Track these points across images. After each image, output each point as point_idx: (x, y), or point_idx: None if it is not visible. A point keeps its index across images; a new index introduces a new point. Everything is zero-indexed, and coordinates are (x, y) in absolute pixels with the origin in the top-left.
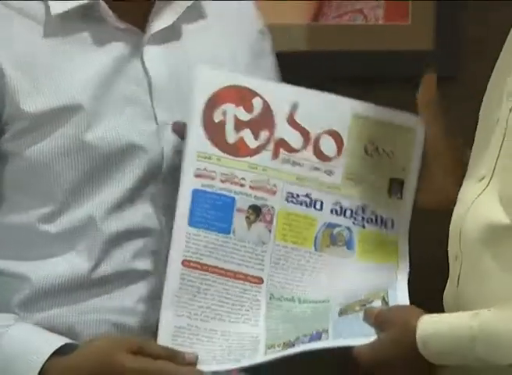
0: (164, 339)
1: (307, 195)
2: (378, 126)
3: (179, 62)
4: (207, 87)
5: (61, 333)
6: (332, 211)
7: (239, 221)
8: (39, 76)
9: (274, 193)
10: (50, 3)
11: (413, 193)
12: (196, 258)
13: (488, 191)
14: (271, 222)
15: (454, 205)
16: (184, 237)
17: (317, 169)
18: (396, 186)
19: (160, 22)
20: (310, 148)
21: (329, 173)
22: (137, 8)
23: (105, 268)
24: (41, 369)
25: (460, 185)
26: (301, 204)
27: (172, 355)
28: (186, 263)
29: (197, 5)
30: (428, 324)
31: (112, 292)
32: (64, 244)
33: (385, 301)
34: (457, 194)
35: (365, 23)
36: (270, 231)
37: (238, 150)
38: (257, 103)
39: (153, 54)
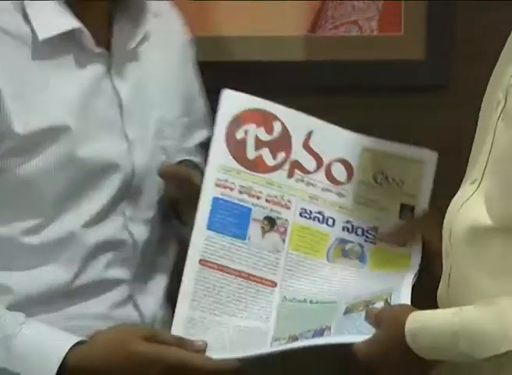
0: (177, 329)
1: (319, 212)
2: (387, 158)
3: (141, 81)
4: (231, 108)
5: None
6: (343, 228)
7: (254, 229)
8: (29, 98)
9: (288, 207)
10: (36, 28)
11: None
12: (213, 259)
13: (477, 194)
14: (285, 233)
15: None
16: (203, 239)
17: (329, 190)
18: (406, 210)
19: (123, 46)
20: (322, 171)
21: (340, 195)
22: (104, 33)
23: (83, 278)
24: (60, 364)
25: None
26: (314, 219)
27: (182, 343)
28: (203, 262)
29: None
30: (417, 318)
31: (89, 300)
32: (46, 256)
33: (387, 303)
34: None
35: (360, 34)
36: (284, 241)
37: (257, 166)
38: (276, 126)
39: (121, 76)
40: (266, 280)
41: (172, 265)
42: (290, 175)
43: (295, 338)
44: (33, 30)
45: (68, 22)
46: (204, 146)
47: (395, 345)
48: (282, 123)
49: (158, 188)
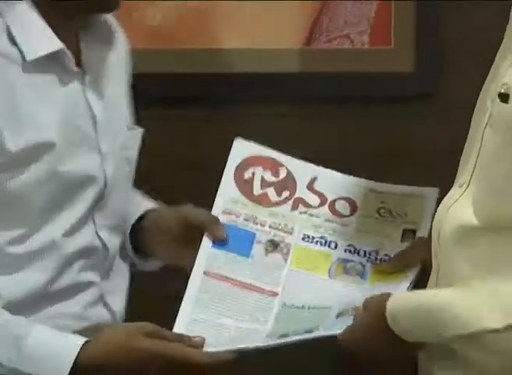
0: (179, 328)
1: (322, 238)
2: (391, 196)
3: (109, 97)
4: (242, 153)
5: None
6: (345, 250)
7: (257, 250)
8: (18, 115)
9: (291, 233)
10: (23, 49)
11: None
12: (217, 271)
13: (464, 197)
14: (287, 254)
15: None
16: (206, 255)
17: (332, 221)
18: (408, 234)
19: (94, 64)
20: (326, 206)
21: (343, 225)
22: (75, 52)
23: (60, 281)
24: (74, 363)
25: None
26: (316, 243)
27: (181, 339)
28: (206, 273)
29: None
30: (397, 301)
31: (65, 301)
32: (29, 263)
33: None
34: None
35: (352, 48)
36: (286, 260)
37: (262, 201)
38: (282, 171)
39: (93, 93)
40: (268, 290)
41: (129, 267)
42: (294, 208)
43: (286, 335)
44: (20, 51)
45: (53, 43)
46: None
47: (378, 329)
48: (288, 169)
49: (122, 197)
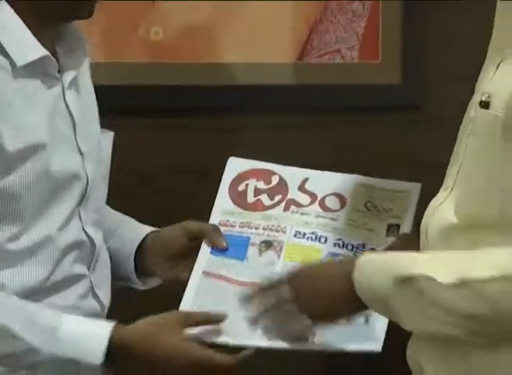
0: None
1: (313, 233)
2: (377, 191)
3: (84, 101)
4: (235, 169)
5: None
6: (335, 244)
7: (252, 252)
8: (13, 118)
9: (284, 232)
10: (12, 55)
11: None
12: (215, 271)
13: (449, 200)
14: (280, 250)
15: None
16: (205, 260)
17: (322, 216)
18: (393, 229)
19: (71, 72)
20: (316, 203)
21: (333, 219)
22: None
23: (56, 274)
24: (108, 346)
25: None
26: (307, 239)
27: (208, 317)
28: (205, 273)
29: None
30: (372, 255)
31: (60, 293)
32: (28, 257)
33: None
34: None
35: (343, 62)
36: (279, 256)
37: (256, 207)
38: (274, 179)
39: (71, 97)
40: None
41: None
42: (286, 209)
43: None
44: (9, 58)
45: (38, 49)
46: None
47: (337, 271)
48: (280, 176)
49: (101, 194)
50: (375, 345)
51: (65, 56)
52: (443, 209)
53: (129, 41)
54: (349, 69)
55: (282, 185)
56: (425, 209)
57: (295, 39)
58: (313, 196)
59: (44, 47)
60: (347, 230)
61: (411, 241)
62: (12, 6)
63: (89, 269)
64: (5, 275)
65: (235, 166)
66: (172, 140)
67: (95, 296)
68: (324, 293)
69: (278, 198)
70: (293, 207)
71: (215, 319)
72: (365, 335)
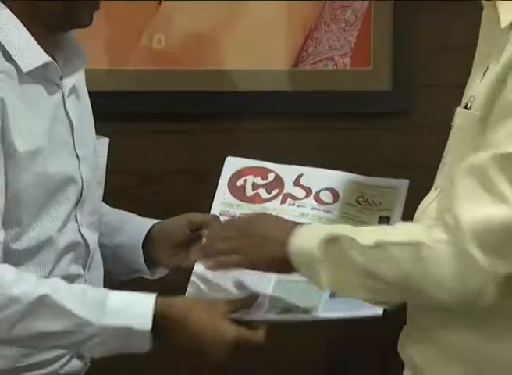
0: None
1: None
2: (368, 187)
3: (81, 107)
4: (233, 167)
5: None
6: None
7: None
8: (19, 124)
9: None
10: (20, 63)
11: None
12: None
13: (437, 199)
14: None
15: None
16: None
17: (317, 209)
18: (383, 220)
19: (70, 79)
20: (311, 197)
21: (327, 212)
22: None
23: (55, 274)
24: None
25: None
26: None
27: (247, 303)
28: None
29: None
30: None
31: None
32: (28, 258)
33: None
34: None
35: (336, 69)
36: None
37: (254, 200)
38: (270, 175)
39: (70, 104)
40: (265, 275)
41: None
42: (283, 202)
43: (288, 310)
44: (16, 64)
45: (42, 56)
46: None
47: (283, 223)
48: (275, 173)
49: (96, 198)
50: (376, 310)
51: (65, 65)
52: (432, 208)
53: (132, 49)
54: (341, 75)
55: (278, 181)
56: (413, 206)
57: (290, 47)
58: (308, 190)
59: (50, 54)
60: (341, 222)
61: None
62: (15, 14)
63: (84, 269)
64: None
65: (232, 164)
66: (173, 143)
67: None
68: (262, 244)
69: (275, 192)
70: (289, 200)
71: (250, 302)
72: (366, 304)
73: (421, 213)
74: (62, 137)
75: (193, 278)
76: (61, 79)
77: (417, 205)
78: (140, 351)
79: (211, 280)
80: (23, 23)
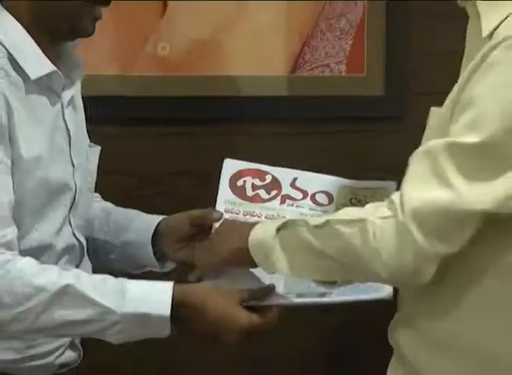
0: None
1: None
2: (360, 189)
3: (76, 118)
4: (232, 169)
5: None
6: None
7: None
8: (24, 132)
9: None
10: (27, 70)
11: None
12: None
13: None
14: None
15: None
16: None
17: (314, 210)
18: None
19: (69, 91)
20: (308, 198)
21: (324, 212)
22: None
23: None
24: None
25: None
26: None
27: (263, 292)
28: None
29: None
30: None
31: None
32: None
33: None
34: None
35: (331, 75)
36: None
37: (255, 200)
38: (268, 177)
39: (69, 114)
40: None
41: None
42: (282, 202)
43: (302, 296)
44: (23, 73)
45: (49, 64)
46: None
47: (245, 226)
48: (272, 175)
49: (87, 202)
50: (386, 293)
51: (65, 75)
52: None
53: (138, 55)
54: (336, 81)
55: (276, 183)
56: None
57: (288, 54)
58: (304, 192)
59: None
60: None
61: None
62: (22, 24)
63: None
64: None
65: (230, 166)
66: (176, 145)
67: None
68: (230, 242)
69: (274, 192)
70: (288, 201)
71: (266, 292)
72: (376, 288)
73: None
74: (60, 145)
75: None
76: (62, 89)
77: None
78: (159, 336)
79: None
80: (28, 32)
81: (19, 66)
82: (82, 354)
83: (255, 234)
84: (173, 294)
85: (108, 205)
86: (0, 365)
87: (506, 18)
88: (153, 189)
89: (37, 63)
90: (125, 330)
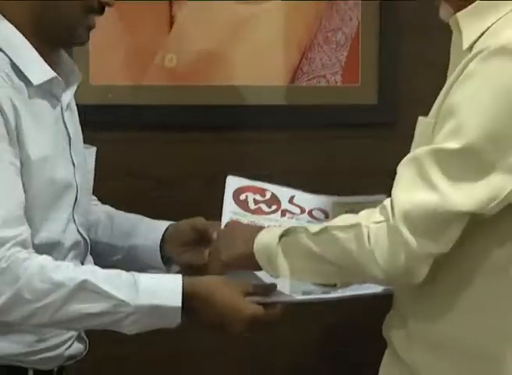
0: None
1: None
2: (352, 204)
3: (74, 118)
4: (234, 185)
5: None
6: None
7: None
8: (30, 134)
9: None
10: (30, 77)
11: None
12: None
13: None
14: None
15: None
16: None
17: (312, 222)
18: None
19: (67, 95)
20: (306, 214)
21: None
22: None
23: None
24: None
25: None
26: None
27: (267, 289)
28: None
29: None
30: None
31: None
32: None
33: None
34: None
35: (328, 85)
36: None
37: (257, 212)
38: (268, 193)
39: (68, 117)
40: None
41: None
42: (283, 216)
43: (308, 293)
44: (26, 79)
45: (49, 70)
46: None
47: (251, 231)
48: (271, 192)
49: (87, 201)
50: (377, 289)
51: (63, 80)
52: None
53: (148, 67)
54: (333, 91)
55: (275, 199)
56: None
57: (287, 66)
58: (302, 209)
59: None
60: None
61: None
62: (22, 33)
63: (82, 264)
64: None
65: (233, 182)
66: (185, 151)
67: None
68: (235, 246)
69: (274, 207)
70: (288, 214)
71: (269, 289)
72: (369, 286)
73: None
74: (62, 146)
75: None
76: (61, 93)
77: None
78: (170, 326)
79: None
80: (28, 40)
81: (22, 73)
82: (88, 346)
83: (261, 239)
84: (183, 286)
85: (109, 208)
86: (11, 358)
87: (485, 31)
88: (165, 191)
89: (39, 70)
90: (138, 321)
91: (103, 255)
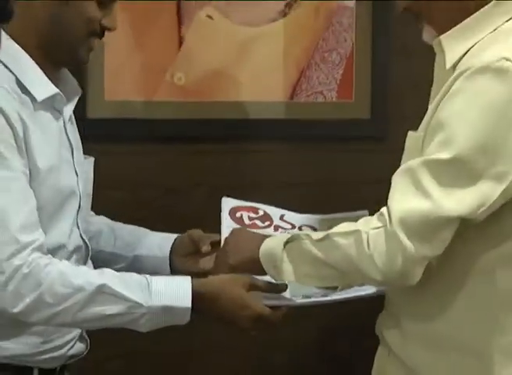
0: None
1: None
2: (337, 220)
3: (75, 130)
4: (230, 205)
5: None
6: None
7: None
8: (37, 145)
9: None
10: (34, 93)
11: None
12: None
13: None
14: None
15: None
16: None
17: None
18: None
19: (68, 108)
20: (296, 229)
21: None
22: None
23: None
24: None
25: None
26: None
27: (272, 287)
28: None
29: None
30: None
31: None
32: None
33: None
34: None
35: (324, 101)
36: None
37: (253, 227)
38: (260, 212)
39: (70, 129)
40: None
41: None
42: (276, 230)
43: (308, 297)
44: (30, 95)
45: (52, 87)
46: None
47: (255, 239)
48: (264, 210)
49: (88, 208)
50: (370, 290)
51: (64, 95)
52: None
53: (159, 84)
54: (329, 106)
55: (268, 216)
56: None
57: (287, 83)
58: (292, 225)
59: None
60: None
61: None
62: (28, 53)
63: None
64: None
65: (228, 203)
66: (192, 161)
67: None
68: (242, 251)
69: (267, 223)
70: (280, 229)
71: (277, 289)
72: (364, 288)
73: None
74: (66, 156)
75: None
76: (64, 107)
77: None
78: (181, 323)
79: None
80: (34, 60)
81: (27, 89)
82: (89, 345)
83: (266, 245)
84: (192, 287)
85: (107, 220)
86: (19, 358)
87: (466, 52)
88: (170, 198)
89: (42, 87)
90: (152, 320)
91: (105, 262)
